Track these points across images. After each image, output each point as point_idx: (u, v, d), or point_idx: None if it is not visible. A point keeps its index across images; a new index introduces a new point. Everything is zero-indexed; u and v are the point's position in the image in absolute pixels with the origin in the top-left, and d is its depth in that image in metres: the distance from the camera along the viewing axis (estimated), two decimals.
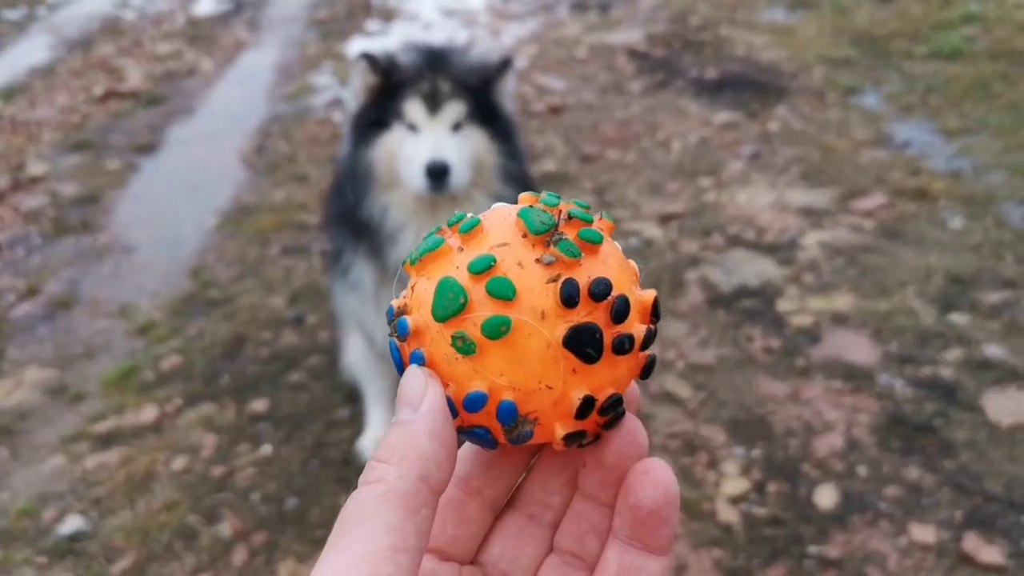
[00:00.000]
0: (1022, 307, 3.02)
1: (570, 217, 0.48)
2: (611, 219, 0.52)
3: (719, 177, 4.13)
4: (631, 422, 0.50)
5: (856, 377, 2.77)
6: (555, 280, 0.45)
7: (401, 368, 0.48)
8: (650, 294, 0.49)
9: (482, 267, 0.45)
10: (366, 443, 2.59)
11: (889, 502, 2.32)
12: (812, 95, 4.96)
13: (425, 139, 2.06)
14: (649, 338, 0.49)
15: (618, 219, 3.81)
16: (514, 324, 0.44)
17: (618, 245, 0.51)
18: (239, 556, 2.29)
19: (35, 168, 4.70)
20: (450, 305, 0.45)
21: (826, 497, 2.34)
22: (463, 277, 0.45)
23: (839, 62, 5.39)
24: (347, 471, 2.54)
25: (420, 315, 0.47)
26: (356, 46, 6.14)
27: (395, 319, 0.48)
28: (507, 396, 0.45)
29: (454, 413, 0.46)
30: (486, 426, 0.47)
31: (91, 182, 4.56)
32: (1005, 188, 3.79)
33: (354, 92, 2.21)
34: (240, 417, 2.81)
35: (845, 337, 2.97)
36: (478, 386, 0.45)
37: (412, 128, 2.09)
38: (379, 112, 2.13)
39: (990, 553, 2.14)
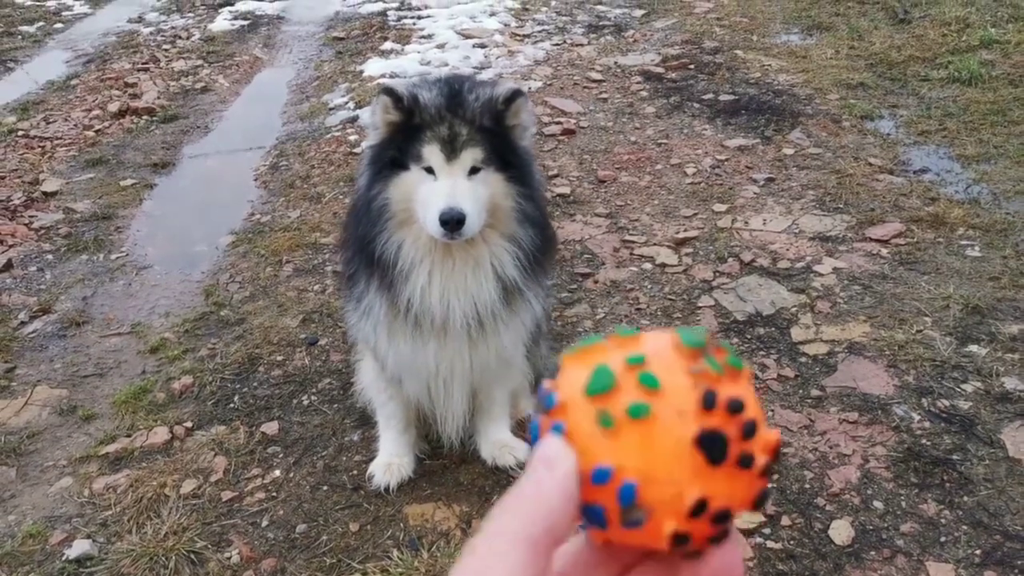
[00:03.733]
0: None
1: (718, 346, 0.53)
2: (751, 369, 0.55)
3: (733, 202, 4.11)
4: (734, 547, 0.52)
5: (872, 408, 2.74)
6: (698, 386, 0.50)
7: (536, 440, 0.52)
8: (774, 433, 0.53)
9: (636, 360, 0.51)
10: (377, 468, 2.56)
11: (906, 538, 2.28)
12: (827, 119, 4.94)
13: (442, 186, 2.07)
14: (769, 468, 0.52)
15: (631, 243, 3.80)
16: (653, 411, 0.49)
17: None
18: None
19: (49, 184, 4.72)
20: (602, 383, 0.50)
21: (841, 532, 2.31)
22: (618, 366, 0.51)
23: (855, 86, 5.37)
24: (358, 496, 2.52)
25: (569, 392, 0.52)
26: (372, 66, 6.16)
27: (544, 395, 0.53)
28: (631, 477, 0.49)
29: None
30: (604, 504, 0.50)
31: (105, 199, 4.57)
32: None
33: (373, 125, 2.21)
34: (251, 440, 2.79)
35: (861, 367, 2.94)
36: (608, 461, 0.49)
37: (429, 171, 2.11)
38: (398, 152, 2.14)
39: None
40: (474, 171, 2.11)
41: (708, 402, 0.49)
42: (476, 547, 0.47)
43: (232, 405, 2.97)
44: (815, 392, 2.84)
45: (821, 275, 3.46)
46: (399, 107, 2.13)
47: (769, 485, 0.53)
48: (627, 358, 0.51)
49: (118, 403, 3.03)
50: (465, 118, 2.12)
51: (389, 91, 2.14)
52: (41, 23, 7.96)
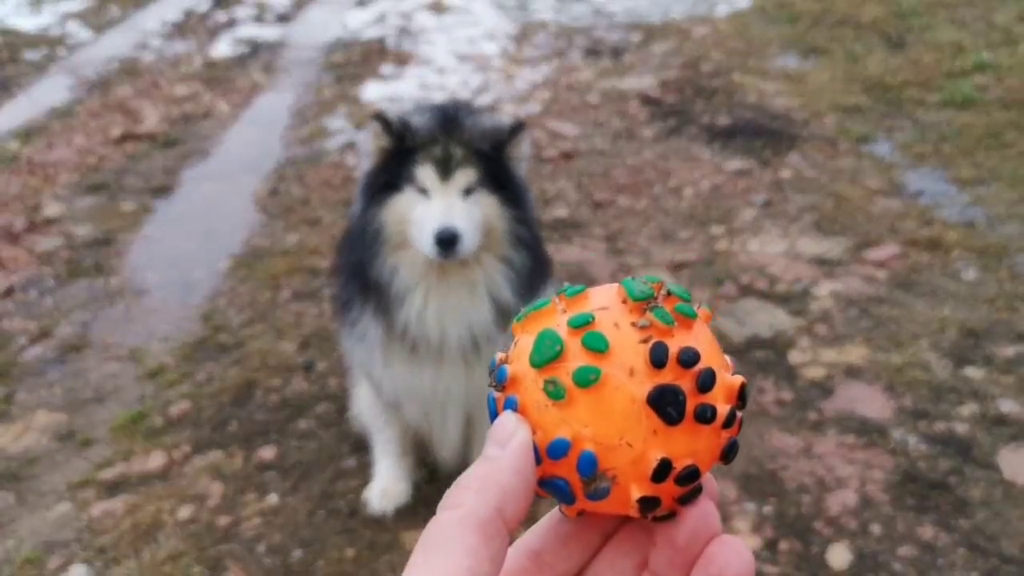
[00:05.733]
0: None
1: (669, 293, 0.51)
2: (709, 309, 0.54)
3: (731, 225, 4.13)
4: (707, 504, 0.51)
5: (869, 432, 2.74)
6: (647, 341, 0.47)
7: (494, 419, 0.51)
8: (738, 379, 0.51)
9: (580, 322, 0.48)
10: (374, 494, 2.57)
11: (903, 562, 2.28)
12: (824, 143, 4.97)
13: (436, 205, 2.09)
14: (732, 418, 0.50)
15: (629, 266, 3.81)
16: (603, 376, 0.47)
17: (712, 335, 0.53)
18: None
19: (51, 209, 4.74)
20: (546, 352, 0.48)
21: (839, 556, 2.31)
22: (562, 330, 0.49)
23: (851, 110, 5.41)
24: (354, 522, 2.52)
25: (519, 365, 0.50)
26: (371, 91, 6.20)
27: (495, 369, 0.51)
28: (589, 447, 0.47)
29: (537, 460, 0.48)
30: (566, 478, 0.49)
31: (105, 224, 4.59)
32: (1019, 239, 3.77)
33: (366, 152, 2.24)
34: (247, 465, 2.79)
35: (858, 390, 2.94)
36: (563, 433, 0.47)
37: (423, 192, 2.12)
38: (391, 175, 2.16)
39: None
40: (468, 192, 2.12)
41: (657, 358, 0.47)
42: (427, 532, 0.46)
43: (230, 430, 2.98)
44: (813, 416, 2.84)
45: (818, 298, 3.47)
46: (389, 132, 2.15)
47: (737, 435, 0.51)
48: (570, 320, 0.49)
49: (116, 428, 3.03)
50: (460, 140, 2.14)
51: (378, 117, 2.17)
52: (44, 50, 8.01)
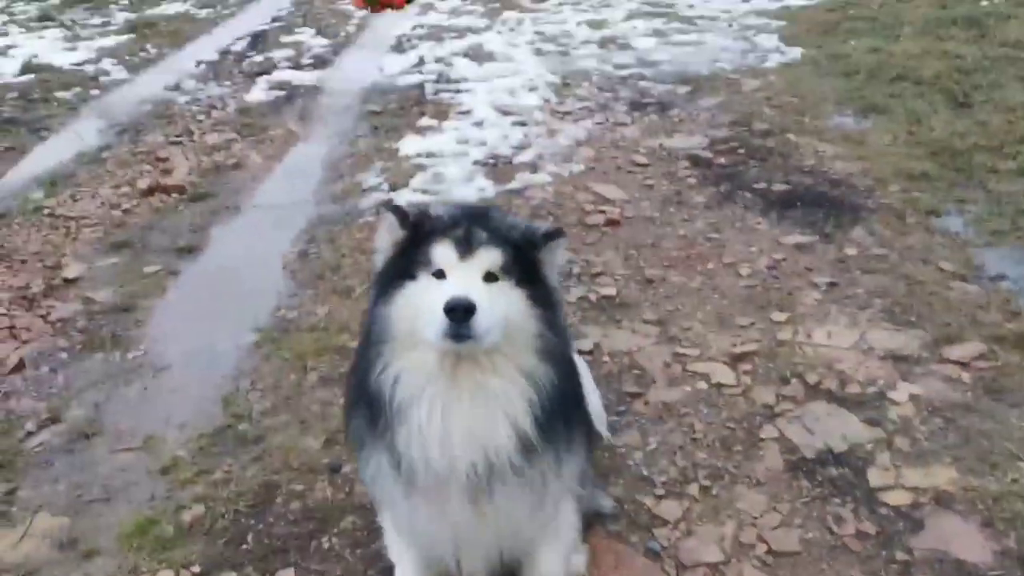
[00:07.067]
0: None
1: None
2: None
3: (794, 310, 3.80)
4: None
5: None
6: None
7: None
8: None
9: None
10: None
11: None
12: (891, 215, 4.64)
13: (451, 282, 1.76)
14: None
15: (684, 357, 3.50)
16: None
17: None
18: None
19: (71, 270, 4.52)
20: None
21: None
22: None
23: (917, 177, 5.06)
24: None
25: None
26: (408, 145, 5.96)
27: None
28: None
29: None
30: None
31: (127, 288, 4.35)
32: None
33: (381, 248, 1.95)
34: None
35: (951, 524, 2.60)
36: None
37: (439, 275, 1.80)
38: (406, 262, 1.85)
39: None
40: (491, 279, 1.80)
41: None
42: None
43: (245, 546, 2.69)
44: (900, 555, 2.50)
45: (897, 403, 3.14)
46: (404, 223, 1.87)
47: None
48: None
49: (123, 537, 2.76)
50: (487, 227, 1.84)
51: (393, 207, 1.88)
52: (78, 89, 7.88)
